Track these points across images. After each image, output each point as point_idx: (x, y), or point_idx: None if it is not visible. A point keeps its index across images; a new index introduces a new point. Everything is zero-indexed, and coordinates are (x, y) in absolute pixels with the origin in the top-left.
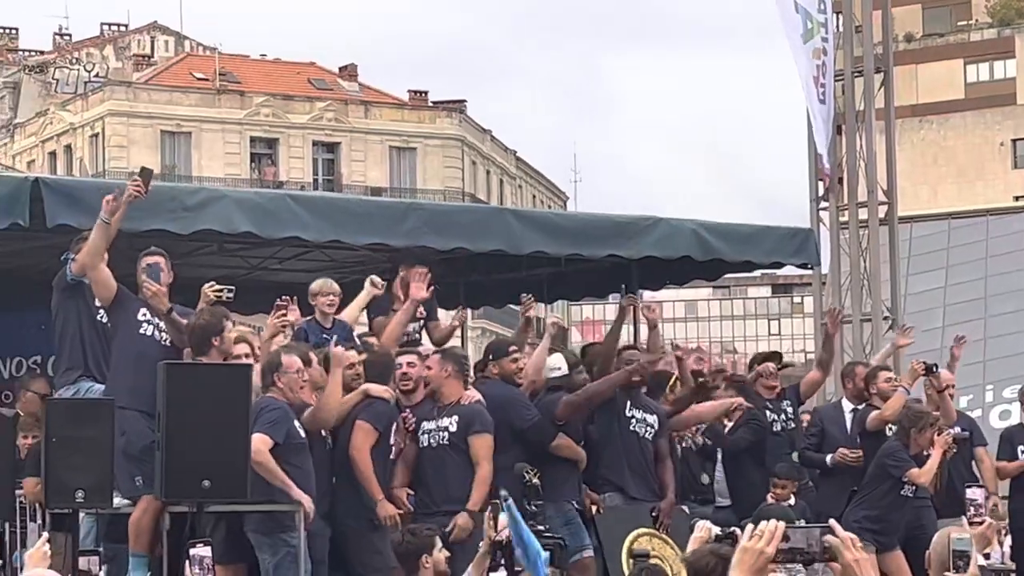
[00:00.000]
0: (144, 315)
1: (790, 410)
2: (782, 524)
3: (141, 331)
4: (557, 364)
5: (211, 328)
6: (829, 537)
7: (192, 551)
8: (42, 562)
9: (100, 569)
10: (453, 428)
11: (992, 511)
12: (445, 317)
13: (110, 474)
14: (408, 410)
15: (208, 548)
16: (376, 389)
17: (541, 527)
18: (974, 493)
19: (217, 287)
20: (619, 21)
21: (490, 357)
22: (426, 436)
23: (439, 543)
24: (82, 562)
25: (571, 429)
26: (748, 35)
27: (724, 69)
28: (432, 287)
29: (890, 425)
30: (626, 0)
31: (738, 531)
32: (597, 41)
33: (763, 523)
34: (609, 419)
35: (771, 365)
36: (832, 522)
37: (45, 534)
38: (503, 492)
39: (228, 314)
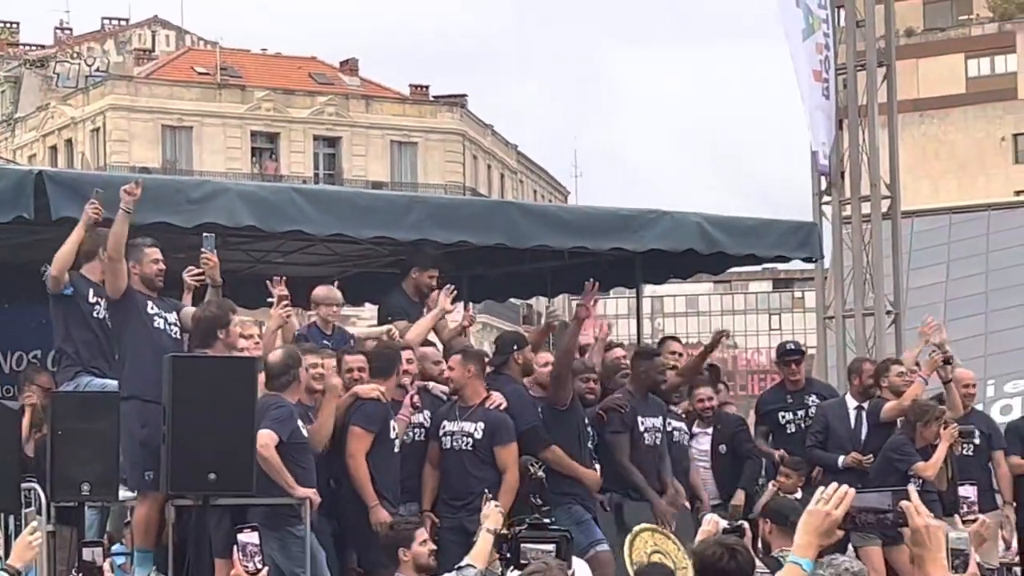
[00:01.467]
0: (153, 309)
1: (814, 407)
2: (852, 490)
3: (155, 325)
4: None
5: (217, 320)
6: (904, 502)
7: (240, 536)
8: (26, 552)
9: (104, 560)
10: (479, 436)
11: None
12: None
13: (116, 467)
14: (416, 396)
15: (255, 534)
16: (365, 390)
17: (547, 520)
18: (967, 491)
19: (197, 272)
20: (620, 16)
21: (514, 347)
22: (448, 438)
23: (420, 536)
24: (86, 553)
25: (565, 436)
26: (750, 29)
27: (726, 63)
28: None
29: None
30: None
31: (746, 525)
32: (598, 36)
33: (832, 486)
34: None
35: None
36: (910, 487)
37: (33, 523)
38: None
39: (235, 307)
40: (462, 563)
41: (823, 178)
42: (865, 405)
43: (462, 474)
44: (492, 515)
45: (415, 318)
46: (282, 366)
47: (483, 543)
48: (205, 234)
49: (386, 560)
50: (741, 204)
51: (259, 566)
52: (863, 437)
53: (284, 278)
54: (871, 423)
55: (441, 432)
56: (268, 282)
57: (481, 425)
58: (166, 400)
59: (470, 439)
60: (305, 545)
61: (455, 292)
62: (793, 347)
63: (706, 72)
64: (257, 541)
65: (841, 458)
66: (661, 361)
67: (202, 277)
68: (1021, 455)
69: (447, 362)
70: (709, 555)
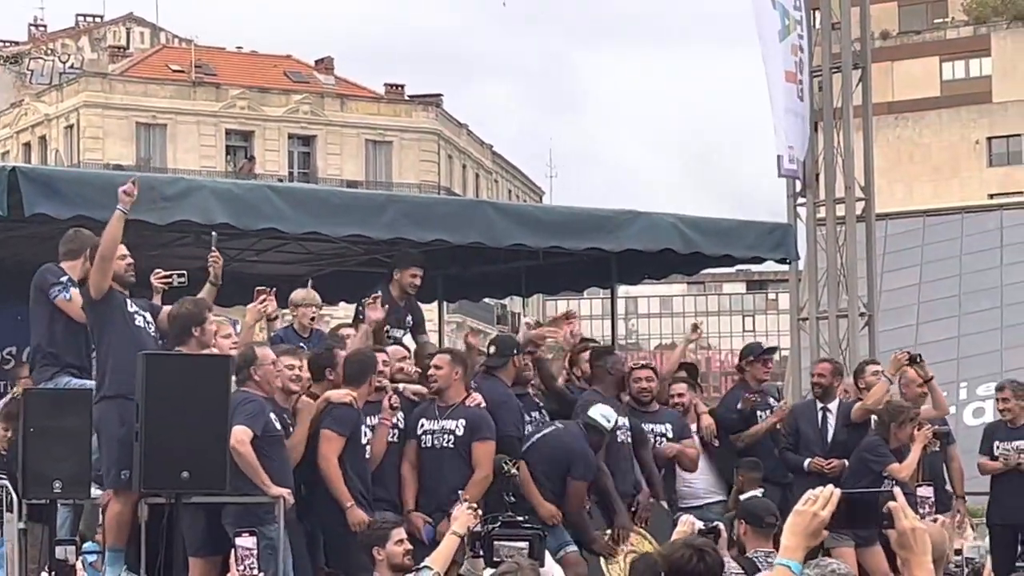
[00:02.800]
0: (133, 307)
1: (775, 407)
2: (838, 490)
3: (136, 323)
4: (607, 415)
5: (192, 318)
6: (891, 504)
7: (237, 540)
8: None
9: (77, 559)
10: (460, 432)
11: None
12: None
13: (88, 465)
14: (395, 397)
15: (252, 538)
16: (336, 395)
17: (520, 518)
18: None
19: (164, 274)
20: (595, 16)
21: (515, 351)
22: (429, 436)
23: (396, 536)
24: (59, 551)
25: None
26: (724, 30)
27: (700, 64)
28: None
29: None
30: None
31: (721, 526)
32: (572, 36)
33: (818, 488)
34: None
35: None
36: (896, 490)
37: None
38: None
39: (210, 305)
40: (421, 565)
41: (795, 180)
42: (831, 406)
43: (441, 475)
44: (461, 518)
45: (396, 318)
46: (235, 366)
47: (446, 545)
48: (213, 232)
49: (363, 562)
50: (716, 204)
51: (252, 570)
52: (829, 437)
53: (275, 289)
54: (842, 424)
55: (420, 430)
56: (256, 289)
57: (462, 422)
58: (139, 398)
59: (451, 436)
60: (276, 547)
61: (380, 301)
62: (766, 346)
63: (681, 73)
64: (252, 545)
65: (807, 461)
66: (619, 354)
67: (169, 280)
68: (990, 456)
69: (433, 360)
70: (678, 557)
